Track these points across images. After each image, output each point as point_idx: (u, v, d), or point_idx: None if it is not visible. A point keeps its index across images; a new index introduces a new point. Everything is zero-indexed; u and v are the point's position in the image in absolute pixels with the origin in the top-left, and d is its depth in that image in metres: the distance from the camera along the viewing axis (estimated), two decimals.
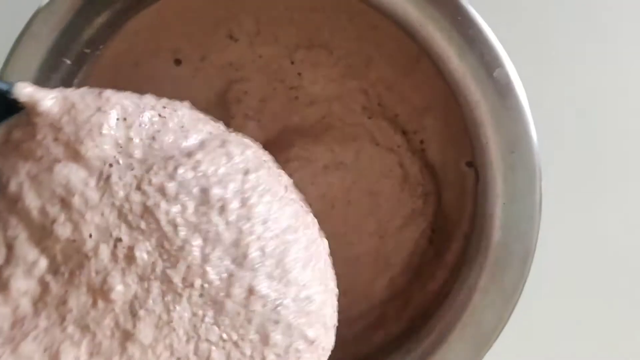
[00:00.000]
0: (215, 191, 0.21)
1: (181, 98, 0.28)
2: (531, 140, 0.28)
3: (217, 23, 0.32)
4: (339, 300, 0.34)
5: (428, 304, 0.34)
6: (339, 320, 0.34)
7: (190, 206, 0.20)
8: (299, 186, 0.33)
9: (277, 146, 0.34)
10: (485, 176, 0.30)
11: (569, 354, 0.38)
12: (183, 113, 0.22)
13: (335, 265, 0.34)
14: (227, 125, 0.32)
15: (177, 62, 0.33)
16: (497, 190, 0.30)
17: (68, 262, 0.20)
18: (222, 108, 0.34)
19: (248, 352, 0.21)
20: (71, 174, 0.20)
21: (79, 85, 0.31)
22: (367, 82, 0.33)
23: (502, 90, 0.29)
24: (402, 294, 0.34)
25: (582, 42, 0.36)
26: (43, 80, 0.29)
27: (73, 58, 0.29)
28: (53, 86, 0.28)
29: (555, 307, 0.38)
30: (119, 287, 0.20)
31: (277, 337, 0.21)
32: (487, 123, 0.29)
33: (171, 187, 0.20)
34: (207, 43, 0.33)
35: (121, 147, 0.21)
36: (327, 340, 0.23)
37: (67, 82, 0.30)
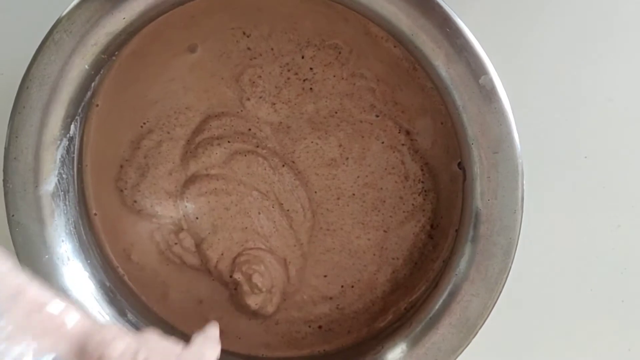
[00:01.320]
0: None
1: (198, 81, 0.34)
2: (514, 141, 0.32)
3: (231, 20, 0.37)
4: (346, 293, 0.39)
5: (422, 293, 0.37)
6: (345, 313, 0.38)
7: None
8: (304, 175, 0.38)
9: (290, 136, 0.38)
10: (471, 174, 0.34)
11: (551, 342, 0.42)
12: None
13: (342, 257, 0.37)
14: (243, 106, 0.37)
15: (192, 49, 0.37)
16: (482, 187, 0.33)
17: None
18: (238, 89, 0.38)
19: None
20: None
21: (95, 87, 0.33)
22: (374, 82, 0.37)
23: (487, 95, 0.33)
24: (403, 286, 0.38)
25: (562, 49, 0.40)
26: (62, 83, 0.33)
27: (91, 63, 0.31)
28: (75, 84, 0.33)
29: (537, 297, 0.40)
30: None
31: None
32: (473, 125, 0.33)
33: None
34: (222, 38, 0.37)
35: None
36: None
37: (85, 86, 0.34)
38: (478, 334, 0.34)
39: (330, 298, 0.39)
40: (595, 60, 0.40)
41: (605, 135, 0.41)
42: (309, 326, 0.39)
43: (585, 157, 0.41)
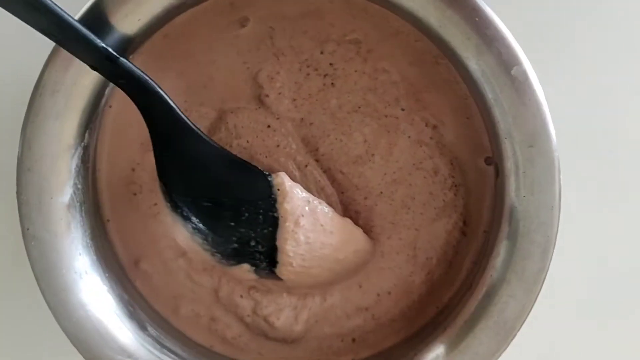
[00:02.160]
0: None
1: (211, 78, 0.35)
2: (549, 134, 0.32)
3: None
4: (382, 301, 0.39)
5: (455, 295, 0.37)
6: (380, 322, 0.38)
7: None
8: (329, 175, 0.38)
9: (313, 133, 0.38)
10: (505, 170, 0.33)
11: (591, 346, 0.41)
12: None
13: (374, 262, 0.36)
14: (261, 102, 0.38)
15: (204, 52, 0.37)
16: (518, 183, 0.33)
17: None
18: (255, 86, 0.37)
19: None
20: None
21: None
22: (397, 76, 0.37)
23: (520, 87, 0.33)
24: (438, 288, 0.38)
25: (597, 39, 0.40)
26: (75, 87, 0.33)
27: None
28: (89, 91, 0.33)
29: (576, 298, 0.39)
30: None
31: None
32: (506, 119, 0.33)
33: None
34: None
35: None
36: None
37: (99, 91, 0.34)
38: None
39: (366, 309, 0.38)
40: (632, 48, 0.40)
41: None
42: (342, 340, 0.39)
43: (621, 150, 0.41)
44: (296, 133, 0.37)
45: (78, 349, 0.34)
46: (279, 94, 0.37)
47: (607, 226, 0.41)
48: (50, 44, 0.31)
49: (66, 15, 0.30)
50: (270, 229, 0.35)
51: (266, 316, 0.38)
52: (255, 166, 0.36)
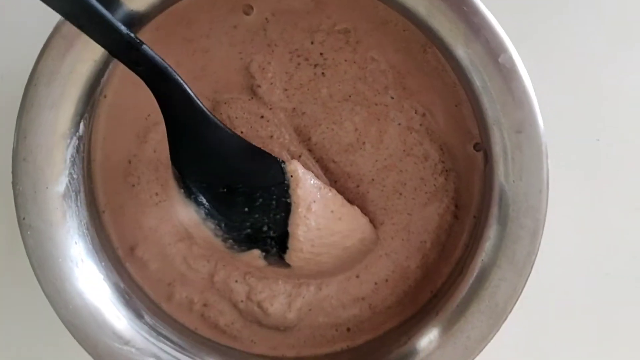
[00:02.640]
0: None
1: (204, 68, 0.35)
2: (537, 121, 0.33)
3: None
4: (379, 289, 0.39)
5: (447, 279, 0.38)
6: (377, 311, 0.39)
7: None
8: (321, 164, 0.39)
9: (305, 122, 0.38)
10: (494, 156, 0.34)
11: (581, 327, 0.42)
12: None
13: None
14: (254, 93, 0.38)
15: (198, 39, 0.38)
16: (506, 168, 0.34)
17: None
18: (247, 76, 0.38)
19: None
20: None
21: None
22: (385, 65, 0.37)
23: (507, 74, 0.33)
24: (432, 272, 0.39)
25: (583, 26, 0.41)
26: (70, 77, 0.33)
27: (100, 57, 0.31)
28: (84, 81, 0.33)
29: (565, 281, 0.40)
30: None
31: None
32: (494, 106, 0.35)
33: None
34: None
35: None
36: None
37: (94, 81, 0.34)
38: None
39: (363, 298, 0.39)
40: (618, 36, 0.41)
41: (627, 116, 0.41)
42: (336, 329, 0.39)
43: (607, 136, 0.41)
44: (289, 123, 0.38)
45: (75, 337, 0.34)
46: (271, 84, 0.37)
47: (593, 211, 0.41)
48: (45, 35, 0.31)
49: (91, 0, 0.30)
50: (283, 214, 0.36)
51: (260, 302, 0.38)
52: (269, 153, 0.37)
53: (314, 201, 0.36)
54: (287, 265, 0.38)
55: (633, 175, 0.41)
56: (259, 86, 0.37)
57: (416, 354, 0.35)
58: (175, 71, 0.32)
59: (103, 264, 0.36)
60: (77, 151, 0.35)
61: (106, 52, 0.32)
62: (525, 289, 0.34)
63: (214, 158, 0.36)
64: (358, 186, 0.38)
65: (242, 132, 0.38)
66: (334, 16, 0.37)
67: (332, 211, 0.37)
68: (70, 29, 0.32)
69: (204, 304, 0.39)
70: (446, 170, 0.38)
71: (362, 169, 0.38)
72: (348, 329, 0.39)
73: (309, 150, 0.38)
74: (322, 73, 0.37)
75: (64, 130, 0.34)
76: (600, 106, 0.41)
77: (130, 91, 0.37)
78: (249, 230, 0.37)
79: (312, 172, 0.38)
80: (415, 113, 0.37)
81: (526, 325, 0.39)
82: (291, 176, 0.36)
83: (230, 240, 0.37)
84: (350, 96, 0.38)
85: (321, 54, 0.37)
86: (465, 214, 0.38)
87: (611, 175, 0.41)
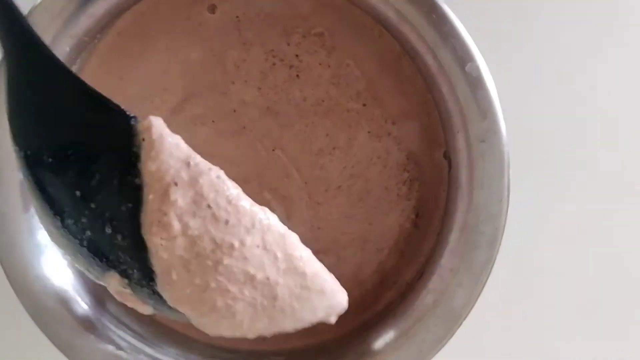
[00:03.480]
0: None
1: (178, 64, 0.35)
2: (500, 130, 0.33)
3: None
4: None
5: (408, 284, 0.38)
6: None
7: None
8: (293, 165, 0.38)
9: (279, 122, 0.38)
10: (457, 163, 0.35)
11: (537, 331, 0.43)
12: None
13: (329, 256, 0.37)
14: (226, 89, 0.37)
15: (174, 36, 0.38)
16: (469, 176, 0.34)
17: None
18: (221, 72, 0.38)
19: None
20: None
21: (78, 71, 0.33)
22: (359, 71, 0.38)
23: (473, 83, 0.34)
24: (390, 277, 0.39)
25: (550, 38, 0.42)
26: None
27: (72, 45, 0.31)
28: None
29: (523, 288, 0.40)
30: None
31: None
32: (459, 114, 0.35)
33: None
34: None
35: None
36: None
37: (71, 59, 0.35)
38: (463, 325, 0.34)
39: None
40: (581, 49, 0.42)
41: (592, 123, 0.42)
42: None
43: (571, 146, 0.42)
44: (262, 119, 0.38)
45: (35, 322, 0.34)
46: (245, 81, 0.38)
47: (553, 220, 0.42)
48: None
49: None
50: (130, 204, 0.23)
51: None
52: (115, 104, 0.24)
53: (176, 183, 0.23)
54: (179, 312, 0.25)
55: (598, 182, 0.42)
56: (233, 83, 0.38)
57: (372, 355, 0.35)
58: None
59: None
60: None
61: (79, 40, 0.33)
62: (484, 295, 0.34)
63: (44, 107, 0.24)
64: (326, 190, 0.38)
65: (213, 121, 0.37)
66: (310, 19, 0.37)
67: (209, 206, 0.23)
68: (42, 16, 0.32)
69: None
70: (410, 180, 0.38)
71: (331, 174, 0.38)
72: None
73: (282, 148, 0.38)
74: (297, 75, 0.38)
75: None
76: (569, 114, 0.42)
77: (104, 82, 0.37)
78: (88, 233, 0.24)
79: (287, 168, 0.37)
80: (385, 122, 0.38)
81: (483, 331, 0.40)
82: (143, 139, 0.23)
83: (83, 254, 0.25)
84: (323, 101, 0.38)
85: (297, 55, 0.38)
86: (426, 222, 0.38)
87: (574, 184, 0.42)
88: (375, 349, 0.35)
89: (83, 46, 0.34)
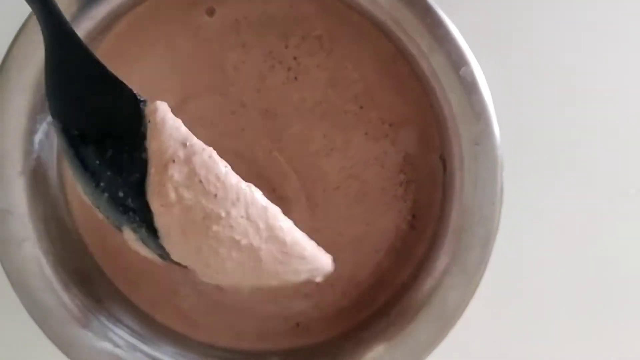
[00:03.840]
0: None
1: (178, 66, 0.35)
2: (494, 134, 0.33)
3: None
4: (324, 291, 0.39)
5: (402, 285, 0.38)
6: (329, 312, 0.39)
7: None
8: (291, 164, 0.38)
9: (277, 124, 0.38)
10: (451, 165, 0.35)
11: (530, 332, 0.43)
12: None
13: None
14: (225, 91, 0.38)
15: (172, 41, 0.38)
16: (463, 178, 0.35)
17: None
18: (220, 75, 0.38)
19: None
20: None
21: None
22: (356, 74, 0.38)
23: (467, 87, 0.34)
24: (387, 278, 0.39)
25: (544, 41, 0.42)
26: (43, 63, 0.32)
27: None
28: None
29: (516, 289, 0.42)
30: None
31: None
32: (454, 117, 0.36)
33: None
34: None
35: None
36: None
37: None
38: (457, 327, 0.35)
39: (306, 295, 0.39)
40: (575, 53, 0.42)
41: (586, 127, 0.42)
42: (286, 322, 0.39)
43: (565, 149, 0.42)
44: (260, 121, 0.38)
45: (33, 318, 0.34)
46: (244, 84, 0.38)
47: (546, 222, 0.42)
48: (20, 19, 0.32)
49: None
50: (138, 175, 0.28)
51: None
52: (129, 88, 0.29)
53: (174, 161, 0.27)
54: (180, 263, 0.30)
55: (593, 186, 0.42)
56: (232, 85, 0.38)
57: (365, 355, 0.35)
58: None
59: (68, 248, 0.37)
60: (47, 137, 0.35)
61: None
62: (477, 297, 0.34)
63: (71, 87, 0.29)
64: (324, 191, 0.39)
65: (212, 124, 0.38)
66: (309, 22, 0.38)
67: (201, 181, 0.27)
68: None
69: (172, 291, 0.39)
70: (407, 182, 0.38)
71: (329, 175, 0.38)
72: (297, 324, 0.39)
73: (280, 150, 0.38)
74: (295, 77, 0.38)
75: (35, 115, 0.34)
76: (562, 118, 0.42)
77: None
78: (106, 194, 0.29)
79: (284, 168, 0.38)
80: (382, 124, 0.38)
81: (477, 333, 0.40)
82: (149, 121, 0.28)
83: (100, 210, 0.30)
84: (321, 103, 0.38)
85: (295, 58, 0.38)
86: (422, 223, 0.38)
87: (567, 188, 0.42)
88: (369, 349, 0.35)
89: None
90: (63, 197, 0.38)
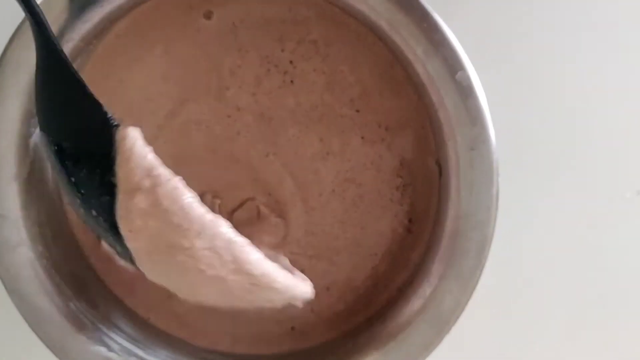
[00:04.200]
0: None
1: (173, 70, 0.35)
2: (489, 138, 0.34)
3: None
4: (320, 296, 0.38)
5: (398, 289, 0.38)
6: (325, 316, 0.39)
7: None
8: (287, 170, 0.38)
9: (272, 128, 0.38)
10: (447, 171, 0.35)
11: (525, 337, 0.43)
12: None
13: (323, 261, 0.37)
14: (221, 95, 0.38)
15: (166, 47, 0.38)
16: (458, 183, 0.35)
17: None
18: (216, 78, 0.38)
19: None
20: None
21: None
22: (353, 78, 0.38)
23: (463, 92, 0.34)
24: (382, 282, 0.39)
25: (540, 46, 0.42)
26: None
27: (68, 51, 0.32)
28: None
29: (511, 294, 0.42)
30: None
31: None
32: (449, 122, 0.35)
33: None
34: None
35: None
36: None
37: None
38: (453, 331, 0.35)
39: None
40: (572, 58, 0.42)
41: (582, 132, 0.42)
42: (281, 326, 0.39)
43: (561, 154, 0.42)
44: (256, 125, 0.38)
45: (28, 323, 0.34)
46: (239, 87, 0.38)
47: (542, 227, 0.42)
48: (14, 23, 0.32)
49: None
50: (108, 197, 0.28)
51: None
52: (103, 110, 0.29)
53: (140, 189, 0.27)
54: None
55: (589, 191, 0.42)
56: (228, 88, 0.38)
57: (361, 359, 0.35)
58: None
59: (63, 252, 0.36)
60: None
61: (75, 45, 0.33)
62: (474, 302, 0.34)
63: (55, 104, 0.29)
64: (320, 195, 0.39)
65: (207, 127, 0.38)
66: (306, 26, 0.38)
67: (166, 209, 0.27)
68: None
69: (167, 295, 0.39)
70: (404, 185, 0.38)
71: (325, 178, 0.38)
72: (292, 328, 0.39)
73: (275, 153, 0.38)
74: (291, 81, 0.38)
75: (29, 119, 0.34)
76: (558, 123, 0.42)
77: (100, 86, 0.37)
78: (82, 210, 0.29)
79: (281, 173, 0.38)
80: (379, 127, 0.38)
81: (473, 337, 0.40)
82: (118, 147, 0.28)
83: (83, 219, 0.30)
84: (317, 106, 0.38)
85: (291, 61, 0.38)
86: (418, 227, 0.38)
87: (568, 190, 0.42)
88: (365, 353, 0.35)
89: (79, 51, 0.35)
90: (58, 201, 0.38)
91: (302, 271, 0.38)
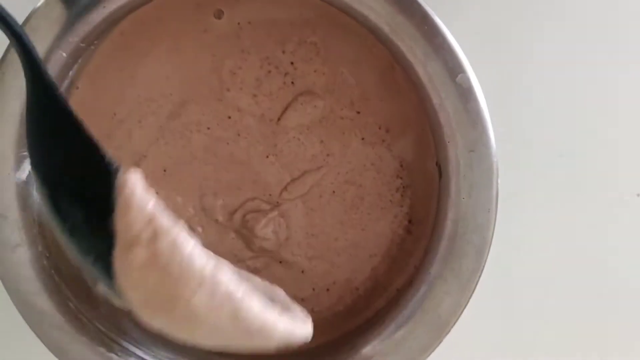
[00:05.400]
0: None
1: (175, 70, 0.35)
2: (489, 141, 0.34)
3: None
4: (320, 296, 0.38)
5: (398, 291, 0.38)
6: (325, 317, 0.39)
7: None
8: (287, 171, 0.38)
9: (272, 129, 0.38)
10: (447, 172, 0.35)
11: (524, 339, 0.43)
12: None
13: (323, 262, 0.37)
14: (222, 96, 0.37)
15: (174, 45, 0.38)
16: (458, 185, 0.35)
17: None
18: (217, 79, 0.38)
19: None
20: None
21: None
22: (353, 80, 0.38)
23: (463, 94, 0.34)
24: (382, 283, 0.39)
25: (540, 49, 0.42)
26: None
27: (69, 51, 0.31)
28: (53, 72, 0.33)
29: (510, 296, 0.42)
30: None
31: None
32: (450, 124, 0.35)
33: None
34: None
35: None
36: None
37: (62, 74, 0.35)
38: (452, 333, 0.35)
39: (302, 299, 0.39)
40: (571, 61, 0.42)
41: (581, 134, 0.42)
42: None
43: (561, 156, 0.42)
44: (256, 126, 0.38)
45: (28, 324, 0.34)
46: (240, 89, 0.38)
47: (542, 229, 0.42)
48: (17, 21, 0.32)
49: None
50: (105, 245, 0.26)
51: None
52: (101, 152, 0.27)
53: (139, 242, 0.25)
54: None
55: (588, 193, 0.42)
56: (228, 90, 0.38)
57: None
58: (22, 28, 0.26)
59: (62, 252, 0.36)
60: None
61: (76, 46, 0.33)
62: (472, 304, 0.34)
63: (46, 141, 0.27)
64: (321, 196, 0.39)
65: (208, 128, 0.38)
66: (307, 28, 0.38)
67: (167, 264, 0.25)
68: (39, 22, 0.32)
69: None
70: (403, 187, 0.38)
71: (326, 180, 0.38)
72: None
73: (275, 155, 0.38)
74: (292, 82, 0.38)
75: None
76: (558, 125, 0.42)
77: (101, 87, 0.37)
78: (76, 255, 0.27)
79: (281, 175, 0.38)
80: (379, 129, 0.38)
81: (471, 339, 0.40)
82: (118, 194, 0.26)
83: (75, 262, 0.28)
84: (316, 107, 0.38)
85: (292, 63, 0.38)
86: (418, 229, 0.38)
87: (567, 193, 0.42)
88: (363, 355, 0.35)
89: (81, 52, 0.35)
90: None
91: (302, 272, 0.38)
